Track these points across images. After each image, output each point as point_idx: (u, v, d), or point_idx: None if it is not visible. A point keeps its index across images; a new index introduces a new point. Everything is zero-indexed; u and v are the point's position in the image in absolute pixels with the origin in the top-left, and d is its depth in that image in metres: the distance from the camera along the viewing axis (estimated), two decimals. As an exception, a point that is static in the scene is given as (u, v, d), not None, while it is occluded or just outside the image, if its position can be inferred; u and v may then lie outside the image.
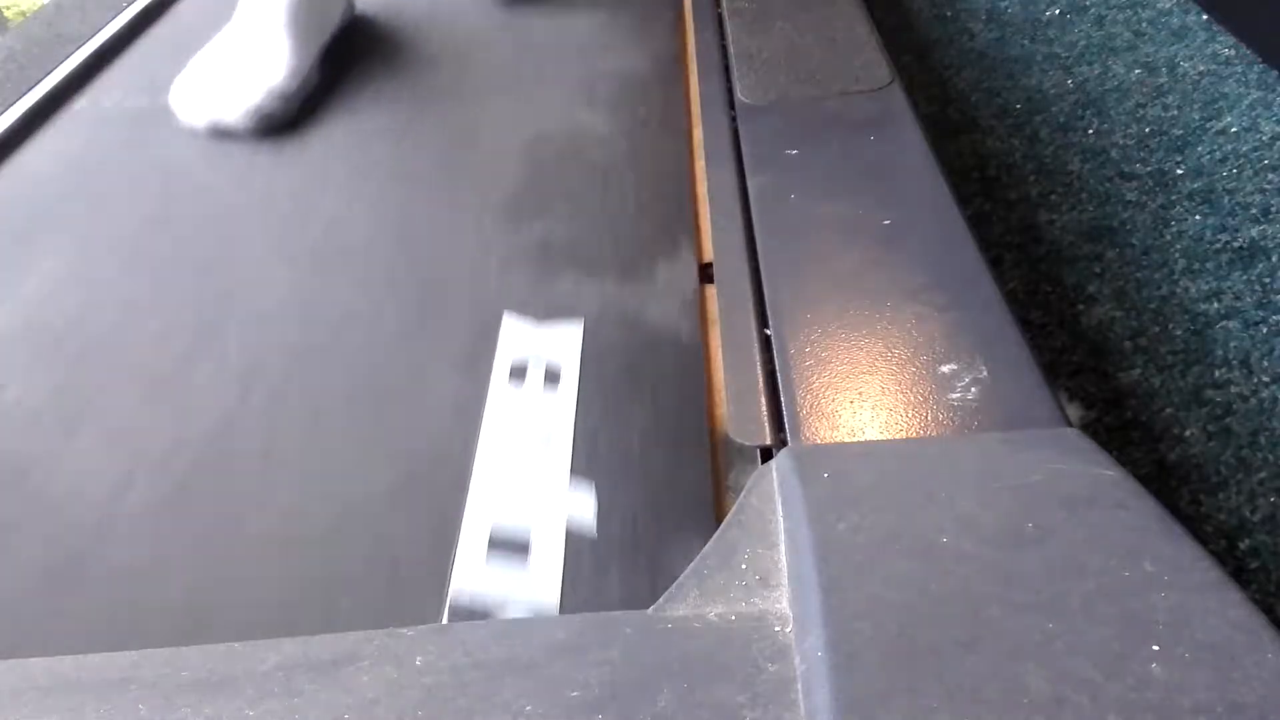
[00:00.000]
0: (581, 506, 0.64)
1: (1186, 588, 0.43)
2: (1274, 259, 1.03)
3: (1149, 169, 1.22)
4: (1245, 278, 1.02)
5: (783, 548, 0.52)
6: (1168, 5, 1.50)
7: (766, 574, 0.51)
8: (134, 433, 0.74)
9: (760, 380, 0.68)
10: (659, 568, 0.56)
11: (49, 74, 1.30)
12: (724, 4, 1.24)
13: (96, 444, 0.74)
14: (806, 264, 0.76)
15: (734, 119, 1.00)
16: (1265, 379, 0.92)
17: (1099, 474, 0.51)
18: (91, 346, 0.84)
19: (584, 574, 0.60)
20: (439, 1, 1.42)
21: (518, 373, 0.75)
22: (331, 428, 0.73)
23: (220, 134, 1.13)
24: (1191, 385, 0.94)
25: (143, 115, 1.22)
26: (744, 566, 0.51)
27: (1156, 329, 1.01)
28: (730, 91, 1.05)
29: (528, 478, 0.66)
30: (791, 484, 0.53)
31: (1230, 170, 1.17)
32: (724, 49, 1.15)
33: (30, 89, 1.26)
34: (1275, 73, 1.29)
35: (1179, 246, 1.09)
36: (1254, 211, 1.10)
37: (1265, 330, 0.96)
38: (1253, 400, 0.91)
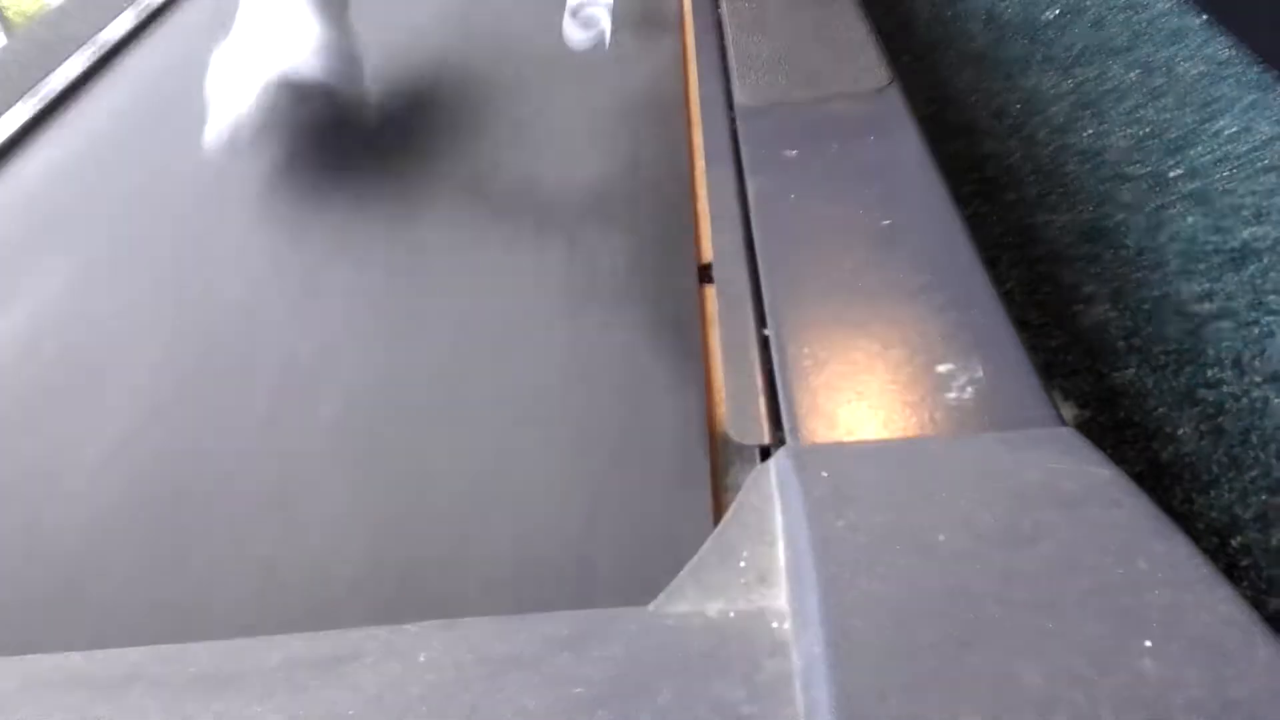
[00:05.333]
0: None
1: (1179, 584, 0.43)
2: (1266, 260, 1.04)
3: (1145, 170, 1.22)
4: (1238, 279, 1.03)
5: (781, 546, 0.52)
6: (1166, 6, 1.51)
7: (765, 571, 0.51)
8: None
9: (759, 380, 0.68)
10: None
11: (52, 74, 1.31)
12: (724, 6, 1.25)
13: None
14: (805, 265, 0.76)
15: (733, 120, 1.00)
16: (1257, 379, 0.93)
17: (1093, 473, 0.51)
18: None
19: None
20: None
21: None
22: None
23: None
24: (1184, 385, 0.94)
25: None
26: (743, 564, 0.52)
27: (1151, 329, 1.01)
28: (730, 93, 1.05)
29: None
30: (790, 483, 0.54)
31: (1226, 172, 1.17)
32: (723, 51, 1.15)
33: (34, 89, 1.27)
34: (1272, 74, 1.30)
35: (1174, 248, 1.10)
36: (1247, 214, 1.11)
37: (1257, 331, 0.97)
38: (1244, 400, 0.91)
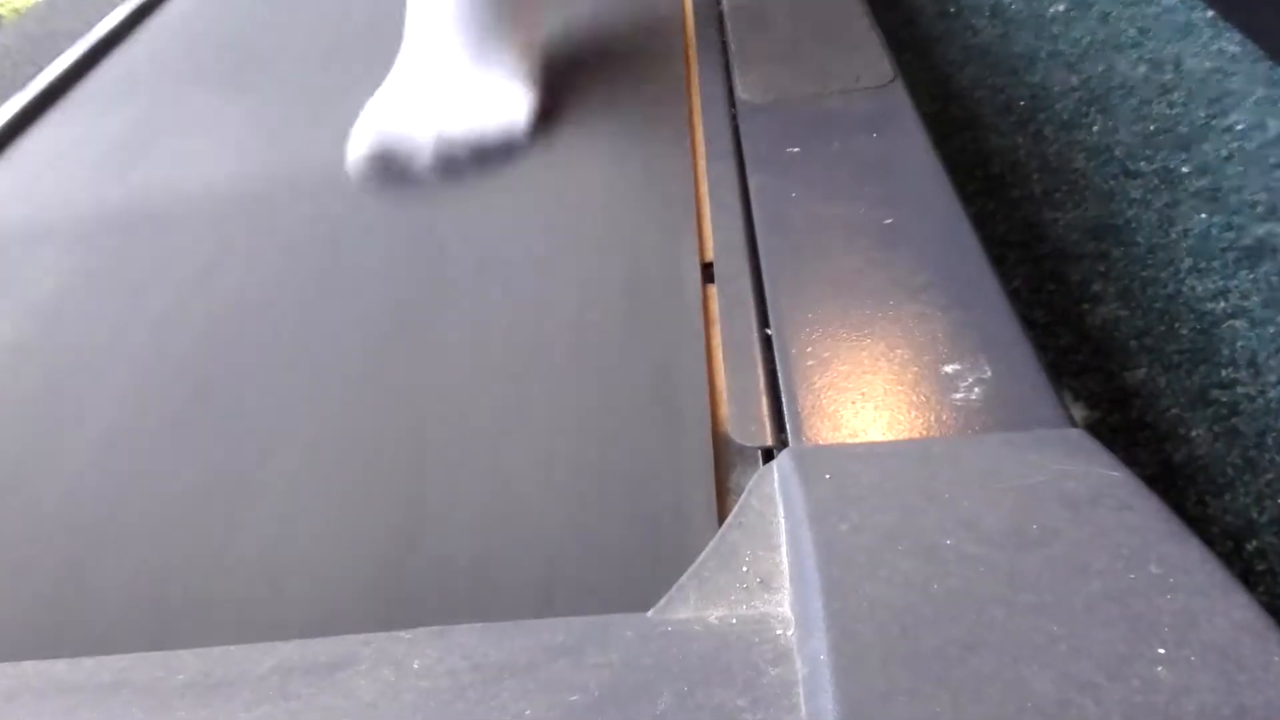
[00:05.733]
0: None
1: (1192, 590, 0.42)
2: (1281, 257, 1.03)
3: (1154, 167, 1.21)
4: (1252, 276, 1.02)
5: (784, 550, 0.51)
6: (1173, 1, 1.49)
7: (768, 576, 0.50)
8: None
9: (761, 380, 0.67)
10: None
11: (44, 70, 1.31)
12: (724, 1, 1.24)
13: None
14: (808, 263, 0.75)
15: (734, 117, 0.99)
16: (1273, 379, 0.91)
17: (1104, 475, 0.50)
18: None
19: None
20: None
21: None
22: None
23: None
24: (1198, 385, 0.93)
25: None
26: (745, 569, 0.51)
27: (1162, 328, 1.00)
28: (731, 89, 1.04)
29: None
30: (793, 485, 0.53)
31: (1237, 168, 1.16)
32: (724, 46, 1.14)
33: (26, 85, 1.27)
34: (1281, 69, 1.28)
35: (1185, 245, 1.09)
36: (1260, 210, 1.09)
37: (1273, 330, 0.95)
38: (1260, 400, 0.90)
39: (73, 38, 1.37)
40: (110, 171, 1.13)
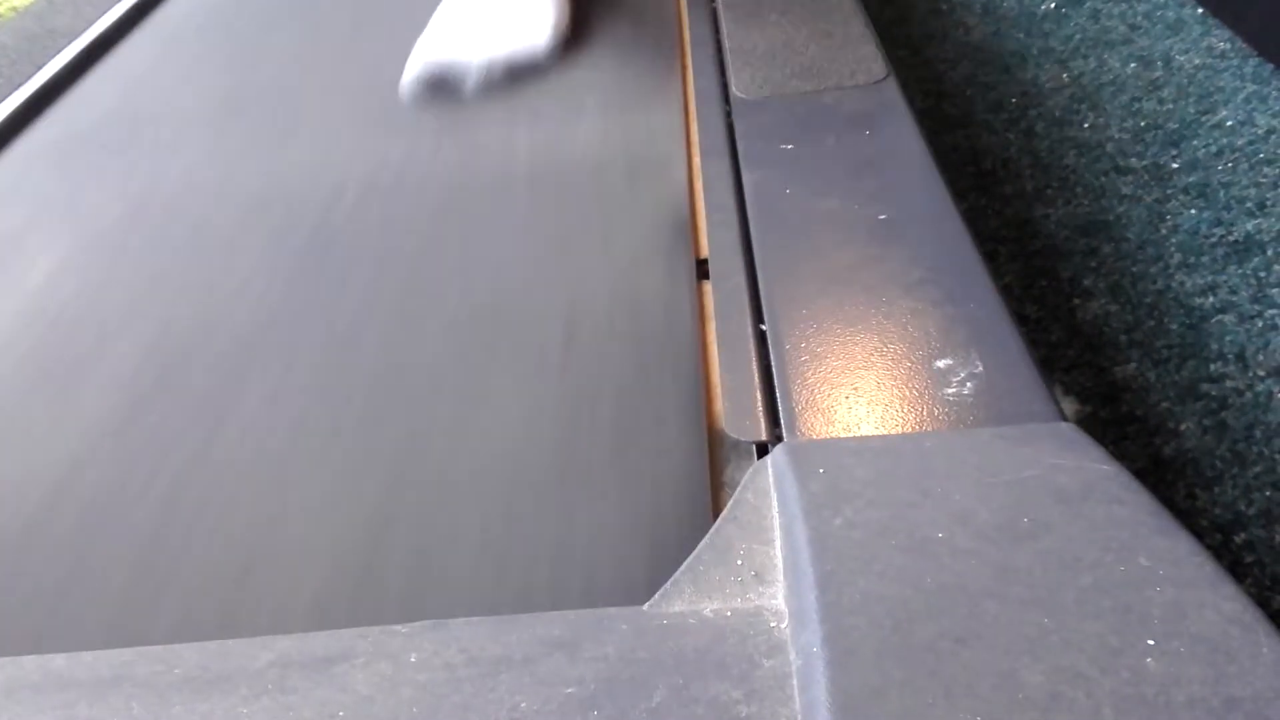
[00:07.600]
0: None
1: (1182, 582, 0.43)
2: (1269, 253, 1.04)
3: (1144, 163, 1.22)
4: (1241, 272, 1.02)
5: (778, 543, 0.52)
6: (1163, -1, 1.50)
7: (762, 569, 0.51)
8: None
9: (756, 376, 0.67)
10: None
11: (41, 68, 1.30)
12: (719, -1, 1.24)
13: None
14: (802, 259, 0.76)
15: (729, 114, 0.99)
16: (1260, 373, 0.92)
17: (1094, 469, 0.51)
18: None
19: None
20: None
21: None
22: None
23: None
24: (1187, 379, 0.94)
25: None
26: (740, 562, 0.51)
27: (1152, 323, 1.01)
28: (725, 86, 1.04)
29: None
30: (787, 479, 0.53)
31: (1226, 164, 1.17)
32: (719, 44, 1.15)
33: (24, 83, 1.26)
34: (1270, 66, 1.29)
35: (1174, 240, 1.09)
36: (1249, 205, 1.10)
37: (1260, 324, 0.96)
38: (1248, 394, 0.91)
39: (71, 35, 1.36)
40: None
